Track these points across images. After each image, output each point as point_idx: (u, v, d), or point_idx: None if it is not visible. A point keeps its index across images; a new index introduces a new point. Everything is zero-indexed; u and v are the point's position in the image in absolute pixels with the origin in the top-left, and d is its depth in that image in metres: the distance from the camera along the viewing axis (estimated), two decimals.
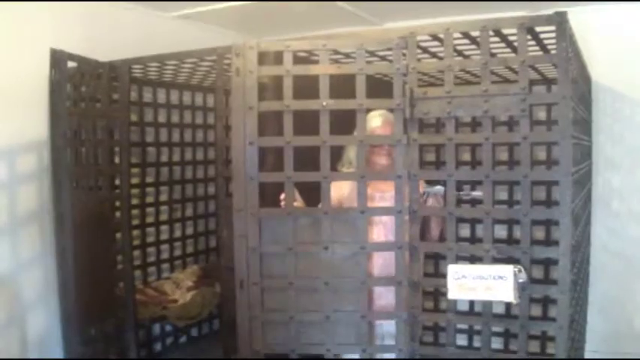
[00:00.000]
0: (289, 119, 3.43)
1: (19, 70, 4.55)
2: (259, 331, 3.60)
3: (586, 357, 4.95)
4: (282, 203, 3.57)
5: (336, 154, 3.88)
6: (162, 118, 5.82)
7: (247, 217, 3.53)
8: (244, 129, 3.51)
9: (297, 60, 3.56)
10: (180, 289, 5.63)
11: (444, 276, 3.32)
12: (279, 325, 3.58)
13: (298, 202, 3.61)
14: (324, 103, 3.38)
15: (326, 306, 3.51)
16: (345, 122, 3.55)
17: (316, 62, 3.60)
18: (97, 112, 4.47)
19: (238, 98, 3.52)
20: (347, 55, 4.11)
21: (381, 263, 3.73)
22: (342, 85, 3.46)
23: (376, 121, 3.78)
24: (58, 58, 4.19)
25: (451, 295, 3.25)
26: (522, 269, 3.13)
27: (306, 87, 3.46)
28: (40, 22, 4.59)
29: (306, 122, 3.46)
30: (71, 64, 4.27)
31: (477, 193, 3.54)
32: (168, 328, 5.94)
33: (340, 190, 3.78)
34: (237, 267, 3.59)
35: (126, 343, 4.69)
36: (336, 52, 3.98)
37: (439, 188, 3.58)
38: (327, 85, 3.40)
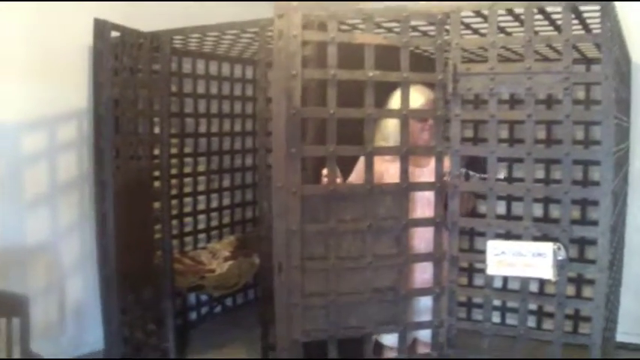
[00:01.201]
0: (333, 89, 3.27)
1: (62, 41, 4.63)
2: (299, 318, 3.37)
3: (618, 339, 4.94)
4: (325, 179, 3.55)
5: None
6: (201, 90, 5.85)
7: (288, 195, 3.27)
8: (287, 98, 3.23)
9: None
10: (217, 259, 5.68)
11: (478, 252, 3.32)
12: (318, 310, 3.41)
13: (339, 179, 3.50)
14: (371, 74, 3.28)
15: (367, 285, 3.43)
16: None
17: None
18: (138, 82, 4.51)
19: (280, 64, 3.26)
20: (389, 30, 4.10)
21: (420, 239, 3.72)
22: (378, 61, 3.34)
23: (417, 97, 3.65)
24: (101, 28, 4.23)
25: (490, 270, 3.25)
26: (562, 247, 3.12)
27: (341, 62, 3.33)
28: None
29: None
30: (114, 34, 4.31)
31: (473, 173, 3.56)
32: (204, 297, 6.01)
33: (377, 167, 3.72)
34: (276, 249, 3.35)
35: (162, 312, 4.76)
36: (378, 26, 3.95)
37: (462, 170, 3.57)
38: (372, 56, 3.29)
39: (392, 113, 3.56)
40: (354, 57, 3.29)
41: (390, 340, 3.76)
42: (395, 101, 3.55)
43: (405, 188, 3.44)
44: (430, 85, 3.48)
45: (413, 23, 3.68)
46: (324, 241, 3.35)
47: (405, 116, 3.38)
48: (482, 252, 3.27)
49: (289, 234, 3.28)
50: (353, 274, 3.41)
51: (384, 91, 3.49)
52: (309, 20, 3.30)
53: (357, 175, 3.66)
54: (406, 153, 3.40)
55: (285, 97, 3.24)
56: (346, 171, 3.62)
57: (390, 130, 3.70)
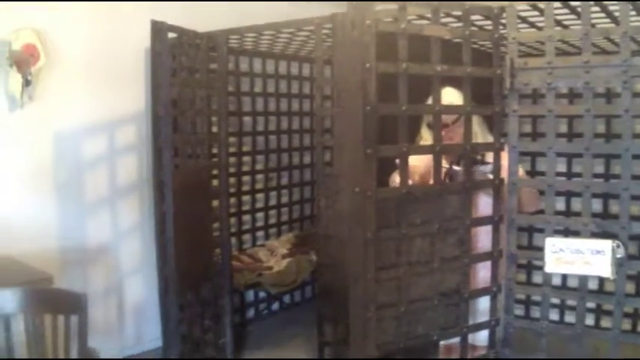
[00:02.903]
0: (404, 84, 3.15)
1: (120, 44, 4.75)
2: (372, 333, 3.23)
3: None
4: (395, 182, 3.50)
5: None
6: (258, 88, 5.88)
7: (365, 200, 3.09)
8: (362, 93, 3.05)
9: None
10: (274, 256, 5.71)
11: (537, 249, 3.28)
12: (390, 321, 3.31)
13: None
14: (439, 68, 3.22)
15: (434, 290, 3.38)
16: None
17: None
18: (195, 82, 4.55)
19: (354, 56, 3.09)
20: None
21: (480, 239, 3.69)
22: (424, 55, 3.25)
23: (453, 96, 3.55)
24: (159, 30, 4.27)
25: (548, 268, 3.20)
26: (621, 244, 3.05)
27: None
28: None
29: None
30: (170, 35, 4.36)
31: (457, 168, 3.52)
32: (261, 295, 6.05)
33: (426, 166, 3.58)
34: (351, 260, 3.18)
35: (220, 309, 4.80)
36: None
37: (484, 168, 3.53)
38: (439, 49, 3.22)
39: (458, 109, 3.46)
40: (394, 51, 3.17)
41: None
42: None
43: (469, 187, 3.41)
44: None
45: (473, 17, 3.62)
46: (396, 247, 3.27)
47: (469, 112, 3.34)
48: (541, 249, 3.23)
49: (365, 242, 3.14)
50: (421, 279, 3.36)
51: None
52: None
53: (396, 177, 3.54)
54: (469, 151, 3.37)
55: (360, 92, 3.07)
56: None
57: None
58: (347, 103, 3.23)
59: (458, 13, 3.51)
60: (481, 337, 3.67)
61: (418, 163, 3.54)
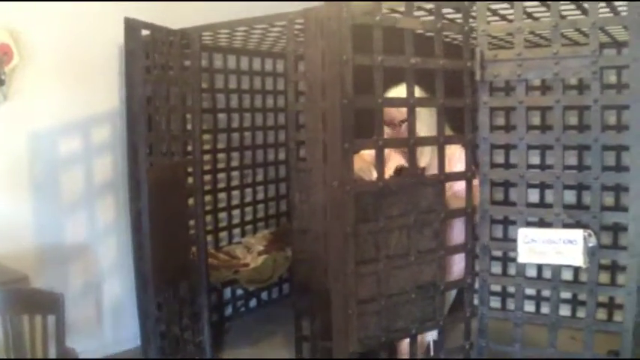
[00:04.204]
0: (380, 77, 3.17)
1: (92, 42, 4.73)
2: (354, 328, 3.24)
3: None
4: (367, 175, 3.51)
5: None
6: (232, 85, 5.88)
7: (344, 194, 3.10)
8: (340, 86, 3.06)
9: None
10: (251, 253, 5.72)
11: (512, 241, 3.31)
12: (370, 316, 3.33)
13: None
14: (413, 61, 3.24)
15: (412, 284, 3.41)
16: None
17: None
18: (169, 79, 4.54)
19: (331, 49, 3.11)
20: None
21: (453, 231, 3.72)
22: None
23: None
24: (132, 27, 4.26)
25: (521, 258, 3.23)
26: (592, 234, 3.09)
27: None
28: None
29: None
30: (144, 32, 4.34)
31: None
32: (239, 292, 6.05)
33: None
34: (333, 255, 3.20)
35: (198, 306, 4.79)
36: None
37: None
38: (411, 41, 3.24)
39: (430, 102, 3.48)
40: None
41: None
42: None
43: (443, 180, 3.43)
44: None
45: (444, 10, 3.63)
46: (375, 241, 3.28)
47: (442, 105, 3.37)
48: (515, 240, 3.26)
49: (345, 237, 3.14)
50: (399, 273, 3.38)
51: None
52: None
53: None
54: (443, 144, 3.40)
55: (338, 86, 3.08)
56: None
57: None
58: (319, 97, 3.28)
59: (429, 6, 3.52)
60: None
61: (370, 158, 3.59)
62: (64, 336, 3.00)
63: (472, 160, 3.55)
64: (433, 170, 3.50)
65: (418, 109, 3.37)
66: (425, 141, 3.47)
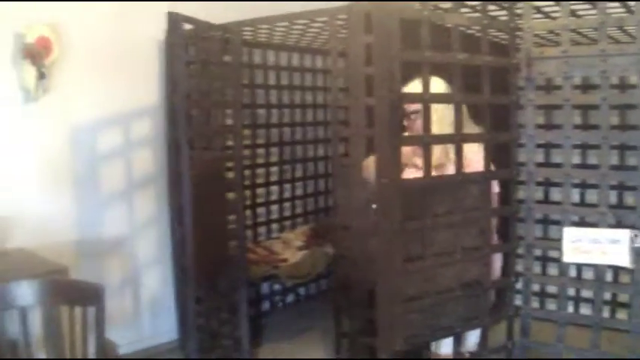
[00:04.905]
0: (427, 72, 3.13)
1: (133, 36, 4.74)
2: (400, 326, 3.21)
3: None
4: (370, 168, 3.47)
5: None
6: (272, 80, 5.88)
7: (392, 191, 3.06)
8: (389, 81, 3.01)
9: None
10: (290, 248, 5.71)
11: (553, 240, 3.27)
12: (416, 314, 3.29)
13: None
14: (460, 57, 3.19)
15: (457, 282, 3.36)
16: None
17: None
18: (210, 74, 4.55)
19: (381, 45, 3.06)
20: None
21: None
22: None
23: (440, 86, 3.45)
24: (174, 21, 4.26)
25: (566, 258, 3.19)
26: (638, 234, 3.04)
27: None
28: None
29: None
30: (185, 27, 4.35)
31: None
32: (276, 287, 6.05)
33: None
34: (380, 252, 3.14)
35: (236, 301, 4.80)
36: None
37: None
38: (458, 38, 3.20)
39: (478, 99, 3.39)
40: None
41: (446, 348, 3.66)
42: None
43: (488, 177, 3.39)
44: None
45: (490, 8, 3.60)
46: (421, 238, 3.25)
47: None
48: (557, 240, 3.22)
49: (393, 234, 3.10)
50: (445, 271, 3.34)
51: None
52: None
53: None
54: (488, 141, 3.36)
55: (386, 81, 3.03)
56: None
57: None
58: (362, 93, 3.22)
59: (474, 3, 3.48)
60: (470, 344, 3.67)
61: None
62: (103, 328, 3.00)
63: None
64: (446, 169, 3.43)
65: (435, 106, 3.29)
66: (469, 137, 3.41)
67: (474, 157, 3.36)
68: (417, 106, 3.39)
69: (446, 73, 3.27)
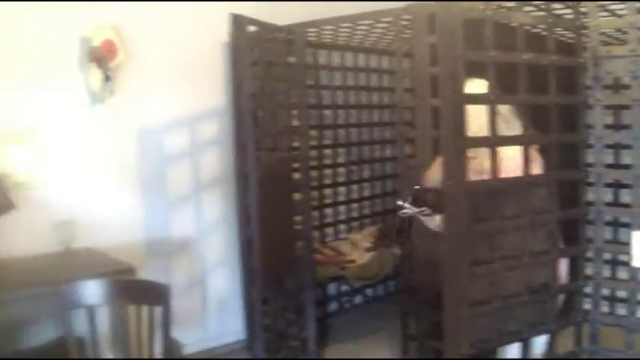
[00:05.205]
0: (492, 73, 3.07)
1: (198, 39, 4.80)
2: (466, 331, 3.14)
3: None
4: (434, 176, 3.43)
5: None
6: (337, 81, 5.86)
7: (459, 193, 2.99)
8: (454, 82, 2.95)
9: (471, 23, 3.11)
10: (357, 249, 5.70)
11: (623, 244, 3.18)
12: (483, 318, 3.22)
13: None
14: (525, 57, 3.13)
15: (524, 286, 3.28)
16: None
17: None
18: (275, 75, 4.56)
19: (445, 45, 3.01)
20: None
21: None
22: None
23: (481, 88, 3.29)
24: (239, 23, 4.30)
25: (636, 262, 3.11)
26: None
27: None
28: None
29: None
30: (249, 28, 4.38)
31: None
32: (344, 288, 6.04)
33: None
34: (447, 255, 3.08)
35: (303, 302, 4.80)
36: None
37: None
38: (523, 37, 3.13)
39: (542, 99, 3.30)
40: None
41: (513, 353, 3.55)
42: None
43: (555, 179, 3.31)
44: None
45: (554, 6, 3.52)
46: (488, 241, 3.19)
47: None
48: (627, 244, 3.13)
49: (460, 237, 3.04)
50: (512, 274, 3.26)
51: None
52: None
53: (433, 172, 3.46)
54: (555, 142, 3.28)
55: (451, 82, 2.98)
56: None
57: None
58: (428, 93, 3.18)
59: (538, 2, 3.40)
60: (537, 350, 3.59)
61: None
62: (169, 327, 3.02)
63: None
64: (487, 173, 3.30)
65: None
66: (535, 139, 3.33)
67: (509, 163, 3.26)
68: None
69: (486, 73, 3.19)
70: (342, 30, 5.02)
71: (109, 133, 4.43)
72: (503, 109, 3.29)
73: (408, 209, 3.49)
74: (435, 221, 3.40)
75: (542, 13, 3.35)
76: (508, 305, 3.26)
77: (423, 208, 3.42)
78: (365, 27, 4.87)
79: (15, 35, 4.04)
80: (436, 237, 3.31)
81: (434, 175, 3.44)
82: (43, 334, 3.90)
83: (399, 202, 3.52)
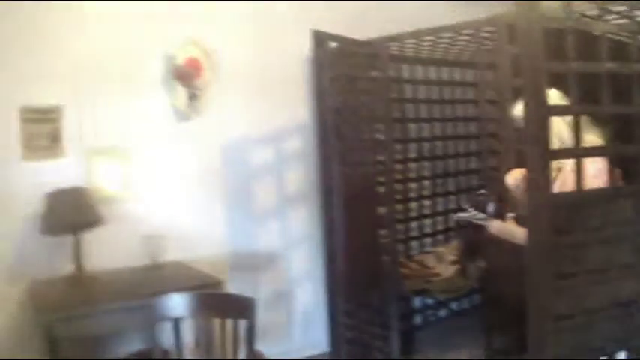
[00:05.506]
0: (574, 83, 2.99)
1: (280, 55, 4.92)
2: (550, 346, 3.07)
3: None
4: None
5: None
6: (421, 94, 5.85)
7: (543, 205, 2.93)
8: (536, 93, 2.91)
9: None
10: (442, 262, 5.66)
11: None
12: (567, 333, 3.12)
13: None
14: (608, 66, 3.02)
15: (611, 300, 3.18)
16: None
17: None
18: (358, 89, 4.59)
19: (527, 56, 2.93)
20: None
21: None
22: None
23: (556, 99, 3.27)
24: (320, 40, 4.36)
25: None
26: None
27: None
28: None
29: None
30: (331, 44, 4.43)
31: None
32: (428, 301, 6.01)
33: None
34: (531, 269, 3.01)
35: (388, 315, 4.80)
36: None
37: None
38: (606, 46, 3.05)
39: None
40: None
41: None
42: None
43: None
44: None
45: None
46: (573, 254, 3.10)
47: None
48: None
49: (544, 250, 2.99)
50: (597, 288, 3.17)
51: None
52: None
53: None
54: None
55: (534, 94, 2.94)
56: None
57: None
58: (510, 105, 3.12)
59: (620, 8, 3.32)
60: None
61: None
62: (254, 340, 3.07)
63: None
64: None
65: (557, 119, 3.16)
66: (623, 150, 3.25)
67: (587, 174, 3.18)
68: None
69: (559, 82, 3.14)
70: (424, 43, 5.01)
71: (195, 148, 4.56)
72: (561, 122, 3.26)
73: (467, 214, 3.47)
74: (516, 234, 3.36)
75: (624, 21, 3.28)
76: (593, 320, 3.18)
77: (477, 213, 3.40)
78: (447, 39, 4.86)
79: (104, 54, 4.21)
80: (518, 250, 3.28)
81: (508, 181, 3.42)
82: (130, 345, 4.03)
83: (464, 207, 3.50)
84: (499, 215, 3.27)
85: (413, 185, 5.89)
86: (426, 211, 6.04)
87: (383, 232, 4.86)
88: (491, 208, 3.38)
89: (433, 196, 6.08)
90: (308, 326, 5.20)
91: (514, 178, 3.44)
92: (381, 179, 4.90)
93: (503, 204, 3.31)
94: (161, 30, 4.38)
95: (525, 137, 3.00)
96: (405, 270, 5.32)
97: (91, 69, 4.19)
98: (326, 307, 4.95)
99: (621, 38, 3.19)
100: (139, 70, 4.35)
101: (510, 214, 3.40)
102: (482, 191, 3.47)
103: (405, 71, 5.70)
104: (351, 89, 4.55)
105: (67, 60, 4.12)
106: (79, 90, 4.16)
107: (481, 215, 3.43)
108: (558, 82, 3.09)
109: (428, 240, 6.10)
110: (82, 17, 4.18)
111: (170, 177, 4.50)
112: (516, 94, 3.24)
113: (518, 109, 3.21)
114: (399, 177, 5.57)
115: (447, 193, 6.19)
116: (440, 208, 6.16)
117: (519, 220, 3.34)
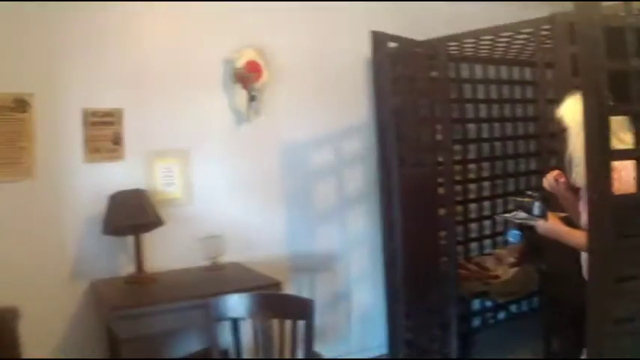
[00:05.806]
0: (637, 82, 2.89)
1: (337, 56, 4.92)
2: (609, 350, 2.99)
3: None
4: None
5: None
6: (480, 94, 5.81)
7: (604, 206, 2.86)
8: (596, 93, 2.84)
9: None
10: (502, 265, 5.60)
11: None
12: (625, 337, 3.03)
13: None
14: None
15: None
16: None
17: None
18: (417, 90, 4.58)
19: (587, 54, 2.88)
20: None
21: None
22: None
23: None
24: (379, 40, 4.36)
25: None
26: None
27: None
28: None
29: None
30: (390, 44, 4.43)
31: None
32: (487, 303, 5.95)
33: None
34: (591, 272, 2.99)
35: (447, 317, 4.77)
36: None
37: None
38: None
39: None
40: None
41: None
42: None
43: None
44: None
45: None
46: (634, 257, 3.01)
47: None
48: None
49: (605, 253, 2.93)
50: None
51: None
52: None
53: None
54: None
55: (594, 93, 2.87)
56: None
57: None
58: (584, 102, 3.05)
59: None
60: None
61: None
62: (312, 341, 3.08)
63: None
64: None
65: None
66: None
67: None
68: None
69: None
70: (483, 42, 4.97)
71: (254, 150, 4.60)
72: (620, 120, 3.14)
73: (510, 214, 3.42)
74: (563, 235, 3.30)
75: None
76: None
77: (519, 213, 3.35)
78: (506, 38, 4.80)
79: (164, 58, 4.28)
80: (577, 253, 3.22)
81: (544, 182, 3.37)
82: (189, 345, 4.08)
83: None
84: (544, 216, 3.21)
85: (472, 186, 5.83)
86: (486, 213, 5.99)
87: (442, 233, 4.84)
88: (536, 208, 3.31)
89: (492, 197, 6.01)
90: (366, 328, 5.19)
91: (547, 179, 3.38)
92: (441, 180, 4.88)
93: (549, 204, 3.25)
94: (220, 33, 4.44)
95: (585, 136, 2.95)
96: (463, 272, 5.28)
97: (152, 73, 4.26)
98: (384, 308, 4.94)
99: None
100: (199, 73, 4.41)
101: (559, 214, 3.34)
102: (529, 192, 3.39)
103: (464, 71, 5.65)
104: (410, 90, 4.53)
105: (129, 64, 4.20)
106: (139, 93, 4.24)
107: (523, 215, 3.38)
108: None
109: (487, 242, 6.04)
110: (143, 22, 4.26)
111: (229, 178, 4.55)
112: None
113: (566, 108, 3.15)
114: (458, 178, 5.53)
115: (507, 194, 6.12)
116: (499, 209, 6.09)
117: (566, 221, 3.28)
